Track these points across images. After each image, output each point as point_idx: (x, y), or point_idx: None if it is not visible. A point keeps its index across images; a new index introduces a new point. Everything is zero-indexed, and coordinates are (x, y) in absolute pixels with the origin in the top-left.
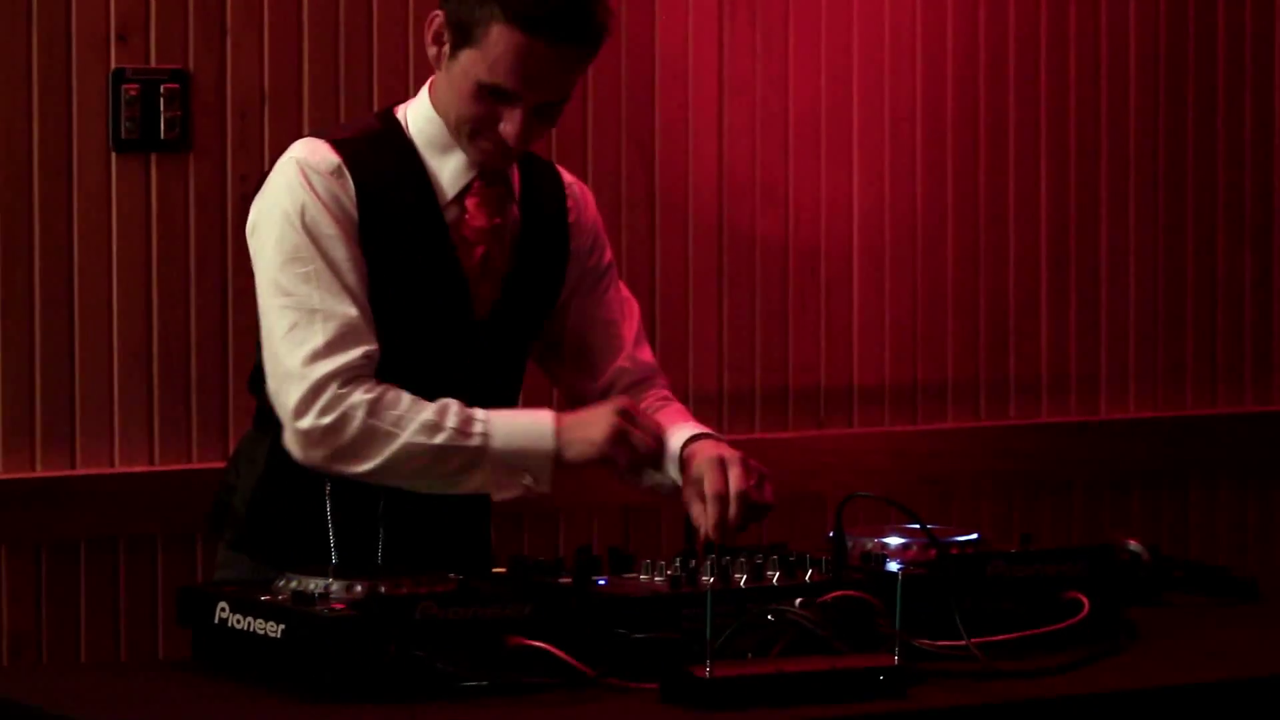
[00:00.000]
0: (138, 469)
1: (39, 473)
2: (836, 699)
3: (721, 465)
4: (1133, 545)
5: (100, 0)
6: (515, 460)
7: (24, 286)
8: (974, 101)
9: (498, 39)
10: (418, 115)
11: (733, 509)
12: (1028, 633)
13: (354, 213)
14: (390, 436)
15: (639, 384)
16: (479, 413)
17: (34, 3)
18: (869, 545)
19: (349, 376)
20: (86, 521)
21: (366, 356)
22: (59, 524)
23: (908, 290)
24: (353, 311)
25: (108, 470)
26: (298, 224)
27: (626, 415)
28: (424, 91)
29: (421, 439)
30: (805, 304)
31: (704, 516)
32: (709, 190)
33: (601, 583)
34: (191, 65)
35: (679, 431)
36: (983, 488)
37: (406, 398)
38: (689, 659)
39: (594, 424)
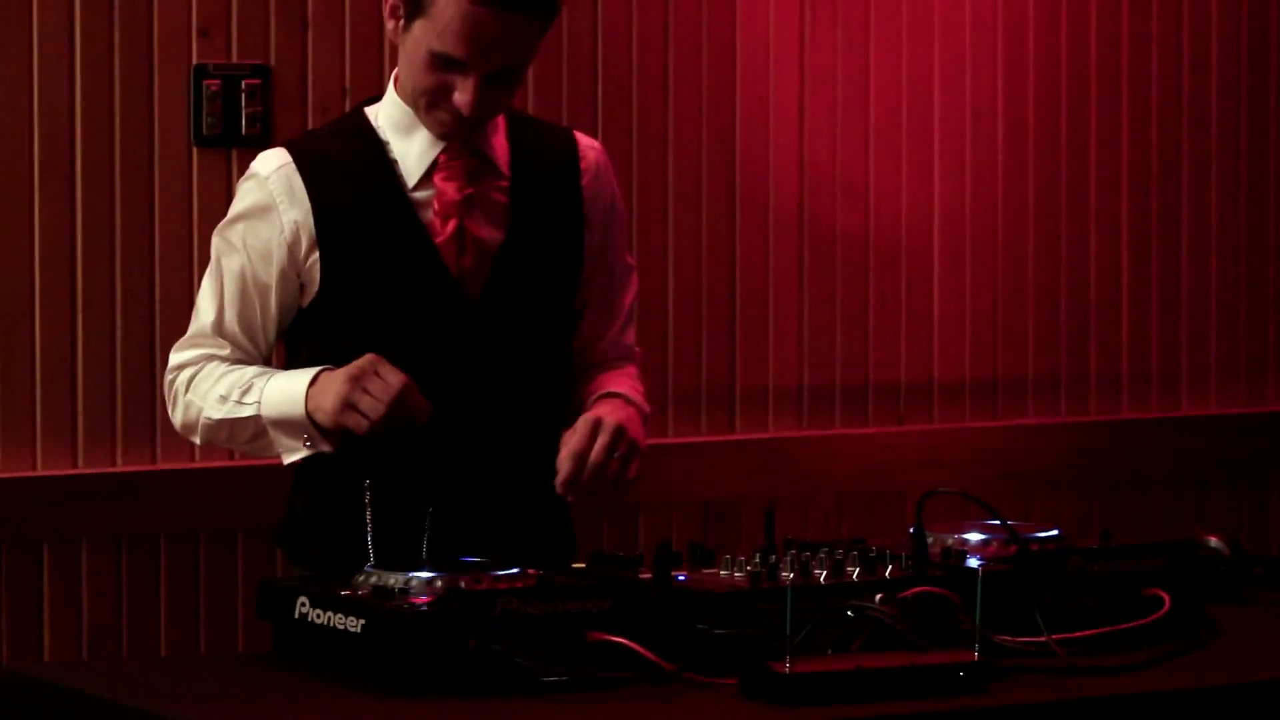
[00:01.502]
0: (218, 464)
1: (120, 467)
2: (916, 695)
3: (594, 428)
4: (1213, 541)
5: None
6: (286, 425)
7: (105, 282)
8: (1055, 96)
9: (446, 7)
10: (385, 102)
11: (585, 473)
12: (1108, 629)
13: (289, 217)
14: (198, 411)
15: (610, 361)
16: (259, 381)
17: None
18: (949, 541)
19: (184, 365)
20: (167, 516)
21: (207, 357)
22: (140, 518)
23: (988, 285)
24: (209, 318)
25: (188, 465)
26: (221, 226)
27: (358, 380)
28: (390, 78)
29: (214, 413)
30: (886, 299)
31: (559, 475)
32: (790, 185)
33: (681, 578)
34: (273, 60)
35: (601, 389)
36: (1063, 483)
37: (218, 371)
38: (768, 654)
39: (329, 392)
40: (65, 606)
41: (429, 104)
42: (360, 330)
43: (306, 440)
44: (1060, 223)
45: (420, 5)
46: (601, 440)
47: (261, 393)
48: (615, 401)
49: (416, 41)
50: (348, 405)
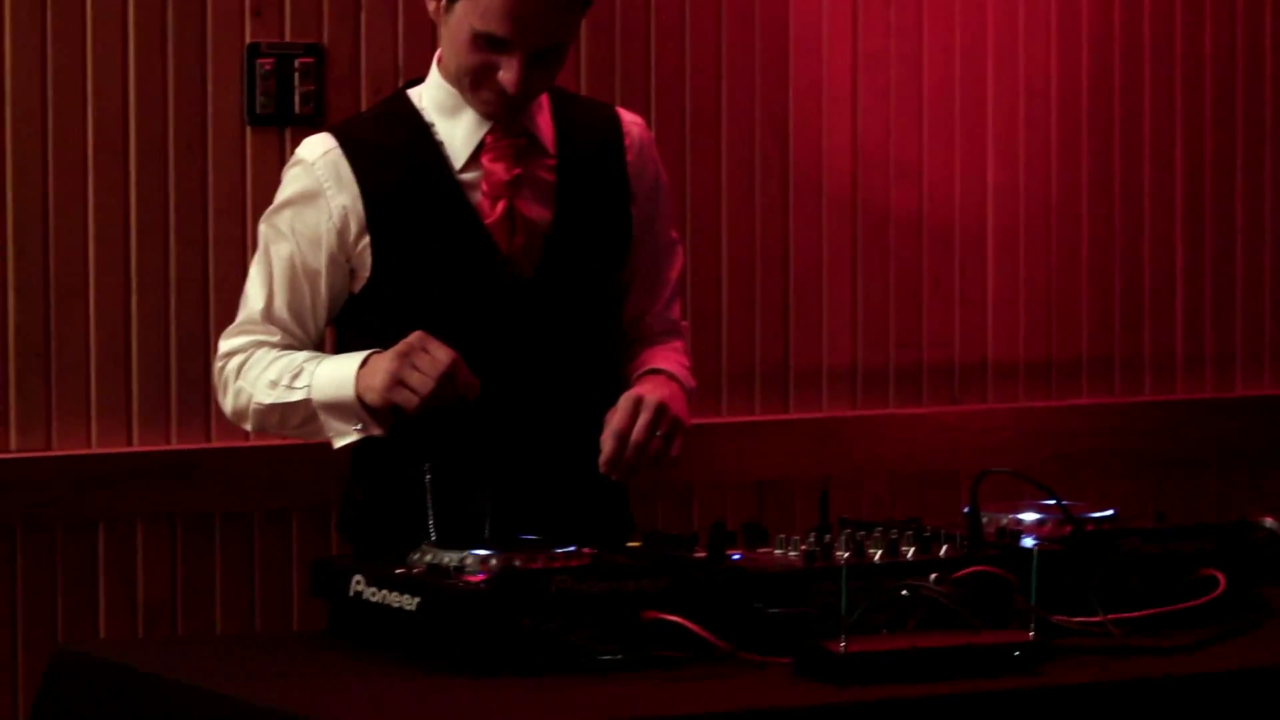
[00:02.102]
0: (273, 443)
1: (174, 445)
2: (971, 674)
3: (635, 406)
4: (1268, 522)
5: None
6: (337, 409)
7: (159, 262)
8: (1108, 76)
9: None
10: (428, 84)
11: (628, 451)
12: (1162, 609)
13: (338, 203)
14: (248, 397)
15: (656, 335)
16: (310, 365)
17: None
18: (1004, 521)
19: (235, 352)
20: (222, 494)
21: (257, 344)
22: (194, 497)
23: (1042, 266)
24: (258, 305)
25: (243, 444)
26: (268, 213)
27: (406, 357)
28: (434, 61)
29: (264, 398)
30: (939, 279)
31: (602, 453)
32: (843, 165)
33: (736, 557)
34: (326, 39)
35: (646, 365)
36: (1116, 464)
37: (268, 357)
38: (823, 634)
39: (378, 370)
40: (120, 584)
41: (473, 83)
42: (413, 314)
43: (358, 424)
44: (1114, 203)
45: None
46: (644, 418)
47: (312, 376)
48: (658, 378)
49: (459, 21)
50: (397, 382)
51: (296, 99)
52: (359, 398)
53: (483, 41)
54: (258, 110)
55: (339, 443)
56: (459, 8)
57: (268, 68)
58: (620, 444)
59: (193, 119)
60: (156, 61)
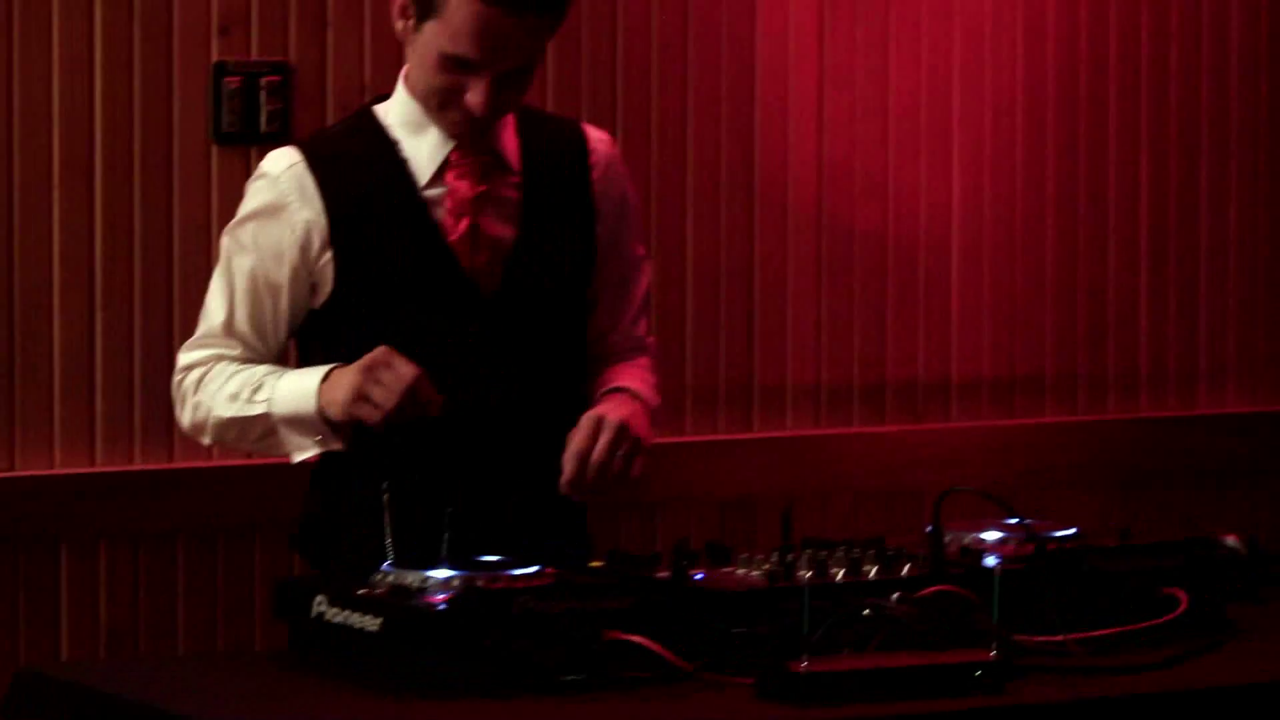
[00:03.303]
0: (236, 463)
1: (137, 465)
2: (933, 694)
3: (596, 426)
4: (1231, 541)
5: None
6: (297, 423)
7: (124, 279)
8: (1074, 94)
9: (458, 9)
10: (394, 101)
11: (589, 472)
12: (1125, 628)
13: (301, 217)
14: (208, 411)
15: (622, 353)
16: (270, 379)
17: None
18: (967, 540)
19: (193, 365)
20: (185, 514)
21: (217, 357)
22: (157, 516)
23: (1006, 283)
24: (219, 318)
25: (206, 464)
26: (231, 226)
27: (370, 372)
28: (400, 78)
29: (224, 411)
30: (904, 297)
31: (563, 474)
32: (808, 182)
33: (699, 577)
34: (293, 58)
35: (608, 384)
36: (1080, 482)
37: (228, 371)
38: (785, 654)
39: (341, 384)
40: (83, 605)
41: (440, 104)
42: (375, 330)
43: (318, 437)
44: (1079, 221)
45: (431, 6)
46: (604, 438)
47: (273, 390)
48: (620, 397)
49: (427, 43)
50: (360, 396)
51: (263, 117)
52: (321, 411)
53: (451, 63)
54: (224, 128)
55: (297, 457)
56: (427, 29)
57: (234, 86)
58: (581, 465)
59: (159, 137)
60: (123, 79)
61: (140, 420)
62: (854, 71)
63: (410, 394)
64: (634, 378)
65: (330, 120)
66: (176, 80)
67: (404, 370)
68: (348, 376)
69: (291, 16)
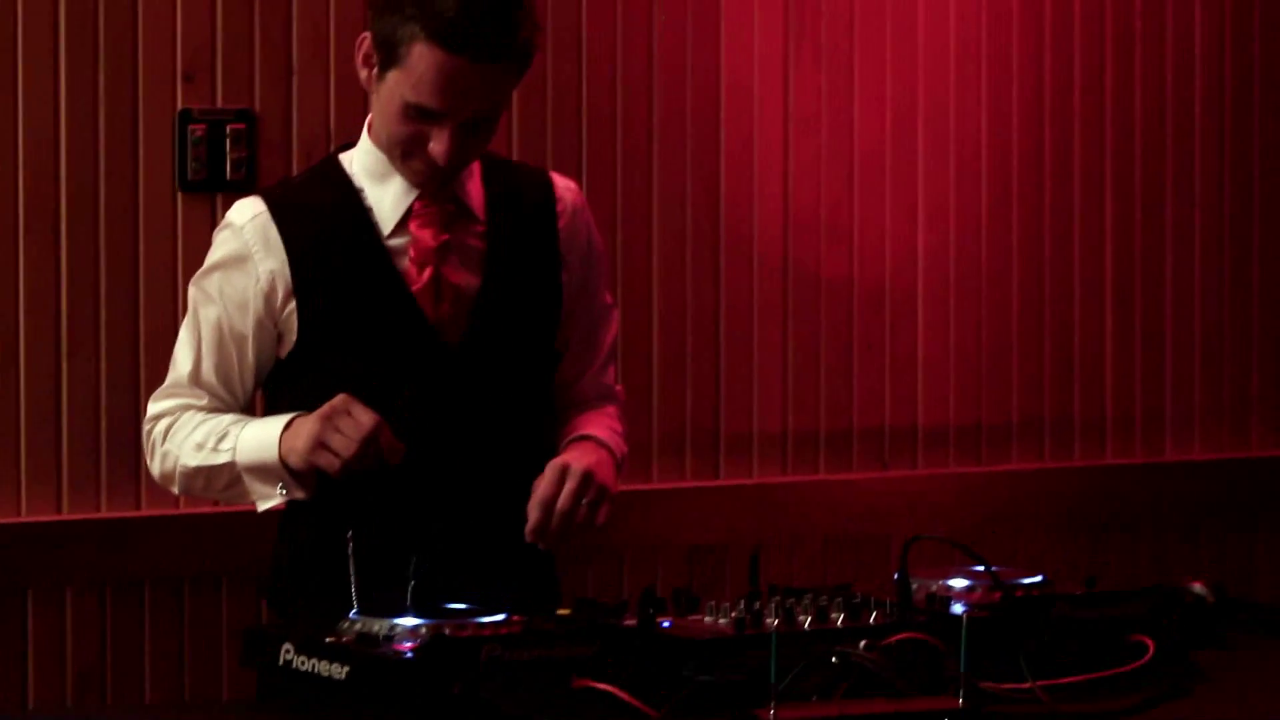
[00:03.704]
0: (203, 510)
1: (104, 513)
2: None
3: (561, 474)
4: (1197, 587)
5: (167, 40)
6: (261, 472)
7: (90, 327)
8: (1039, 141)
9: (420, 58)
10: (359, 149)
11: (554, 520)
12: (1093, 675)
13: (265, 267)
14: (175, 459)
15: (590, 401)
16: (235, 429)
17: (101, 43)
18: (934, 587)
19: (162, 415)
20: (151, 562)
21: (184, 407)
22: (124, 564)
23: (972, 330)
24: (186, 368)
25: (173, 511)
26: (198, 276)
27: (330, 420)
28: (365, 125)
29: (190, 460)
30: (870, 343)
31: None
32: (774, 228)
33: (666, 624)
34: (258, 106)
35: (574, 432)
36: (1047, 529)
37: (195, 420)
38: (753, 701)
39: (301, 433)
40: (50, 653)
41: (404, 154)
42: (339, 379)
43: (281, 487)
44: (1044, 267)
45: (394, 56)
46: (569, 486)
47: (237, 439)
48: (586, 445)
49: (390, 92)
50: (319, 444)
51: (228, 165)
52: (282, 460)
53: (414, 112)
54: (189, 176)
55: (263, 506)
56: (390, 78)
57: (199, 133)
58: (546, 513)
59: (124, 184)
60: (88, 126)
61: (107, 468)
62: (819, 117)
63: (370, 442)
64: (601, 426)
65: (295, 167)
66: (141, 128)
67: (364, 418)
68: (308, 425)
69: (256, 64)
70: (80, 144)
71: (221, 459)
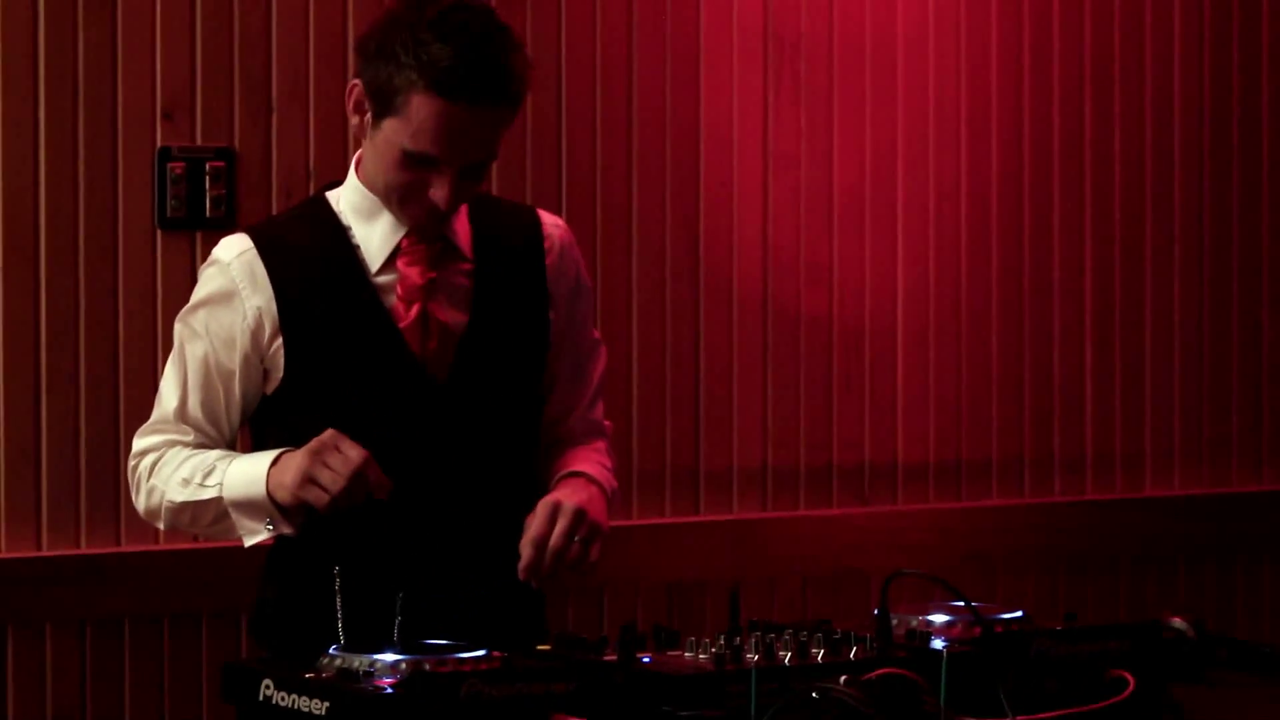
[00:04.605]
0: (183, 546)
1: (84, 550)
2: None
3: (553, 512)
4: (1177, 623)
5: (146, 78)
6: (248, 507)
7: (69, 364)
8: (1018, 179)
9: (419, 107)
10: (346, 188)
11: (546, 558)
12: (1072, 710)
13: (252, 304)
14: (161, 495)
15: (579, 437)
16: (221, 464)
17: (80, 80)
18: (914, 623)
19: (147, 451)
20: (131, 598)
21: (170, 443)
22: (104, 601)
23: (952, 367)
24: (172, 404)
25: (153, 547)
26: (184, 313)
27: (318, 455)
28: (352, 165)
29: (176, 496)
30: (850, 381)
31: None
32: (753, 267)
33: (646, 660)
34: (237, 143)
35: (565, 468)
36: (1027, 565)
37: (181, 456)
38: None
39: (289, 468)
40: (29, 690)
41: (402, 199)
42: (326, 415)
43: (268, 522)
44: (1023, 305)
45: (391, 105)
46: (561, 524)
47: (224, 475)
48: (577, 482)
49: (388, 140)
50: (308, 479)
51: (208, 202)
52: (270, 495)
53: (414, 160)
54: (169, 213)
55: (249, 541)
56: (387, 126)
57: (179, 171)
58: (539, 551)
59: (104, 222)
60: (68, 164)
61: (86, 504)
62: (798, 156)
63: (358, 477)
64: (591, 462)
65: (275, 205)
66: (121, 165)
67: (352, 454)
68: (296, 460)
69: (236, 102)
70: (60, 181)
71: (208, 494)
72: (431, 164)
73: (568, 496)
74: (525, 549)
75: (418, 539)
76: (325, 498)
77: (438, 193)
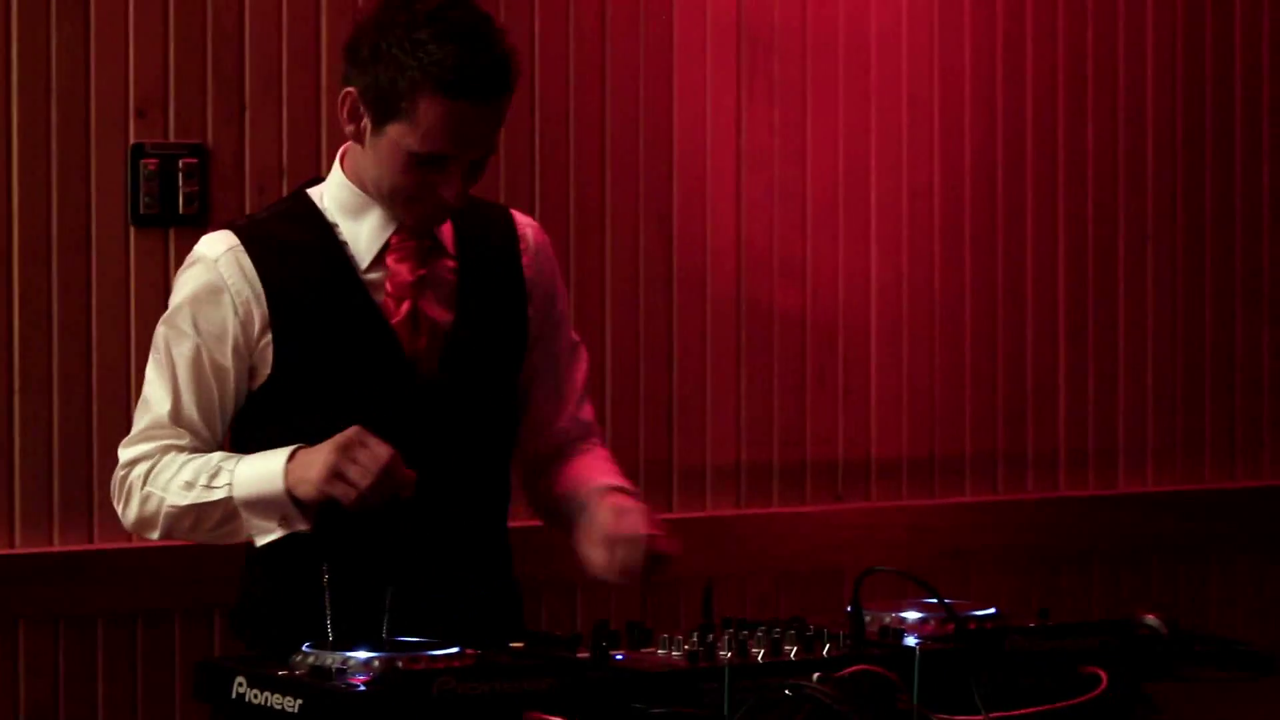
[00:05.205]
0: (155, 544)
1: (58, 547)
2: None
3: (626, 513)
4: (1150, 619)
5: (119, 75)
6: (261, 505)
7: (42, 361)
8: (991, 176)
9: (427, 110)
10: (330, 184)
11: (640, 554)
12: (1046, 707)
13: (241, 299)
14: (159, 502)
15: (574, 441)
16: (228, 465)
17: (54, 78)
18: (887, 620)
19: (139, 459)
20: (105, 596)
21: (164, 450)
22: (77, 599)
23: (925, 364)
24: (164, 408)
25: (126, 545)
26: (166, 315)
27: (346, 450)
28: (336, 162)
29: (179, 500)
30: (823, 378)
31: (605, 560)
32: (727, 265)
33: (619, 657)
34: (210, 140)
35: (596, 479)
36: (1001, 562)
37: (179, 460)
38: None
39: (314, 462)
40: (3, 687)
41: (409, 199)
42: (315, 412)
43: (283, 519)
44: (997, 301)
45: (394, 109)
46: (640, 520)
47: (232, 475)
48: (621, 494)
49: (393, 143)
50: (335, 475)
51: (181, 199)
52: (289, 491)
53: (423, 160)
54: (142, 210)
55: (261, 540)
56: (391, 131)
57: (152, 168)
58: (630, 549)
59: (76, 219)
60: (40, 161)
61: (59, 502)
62: (771, 154)
63: (386, 473)
64: (611, 473)
65: (248, 202)
66: (94, 162)
67: (379, 450)
68: (320, 455)
69: (209, 99)
70: (33, 178)
71: (215, 496)
72: (440, 163)
73: (629, 500)
74: (620, 549)
75: (404, 535)
76: (353, 493)
77: (448, 190)
